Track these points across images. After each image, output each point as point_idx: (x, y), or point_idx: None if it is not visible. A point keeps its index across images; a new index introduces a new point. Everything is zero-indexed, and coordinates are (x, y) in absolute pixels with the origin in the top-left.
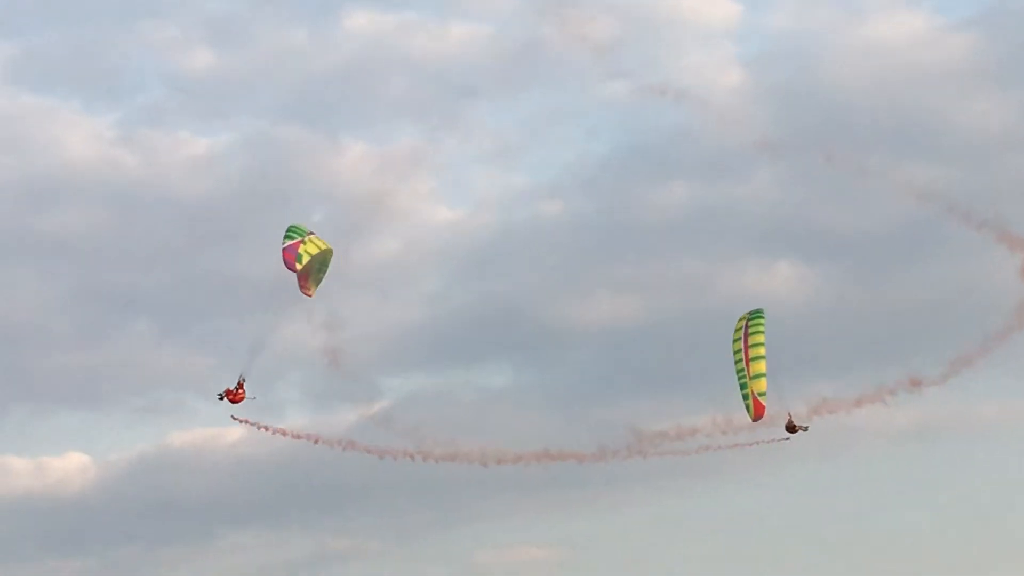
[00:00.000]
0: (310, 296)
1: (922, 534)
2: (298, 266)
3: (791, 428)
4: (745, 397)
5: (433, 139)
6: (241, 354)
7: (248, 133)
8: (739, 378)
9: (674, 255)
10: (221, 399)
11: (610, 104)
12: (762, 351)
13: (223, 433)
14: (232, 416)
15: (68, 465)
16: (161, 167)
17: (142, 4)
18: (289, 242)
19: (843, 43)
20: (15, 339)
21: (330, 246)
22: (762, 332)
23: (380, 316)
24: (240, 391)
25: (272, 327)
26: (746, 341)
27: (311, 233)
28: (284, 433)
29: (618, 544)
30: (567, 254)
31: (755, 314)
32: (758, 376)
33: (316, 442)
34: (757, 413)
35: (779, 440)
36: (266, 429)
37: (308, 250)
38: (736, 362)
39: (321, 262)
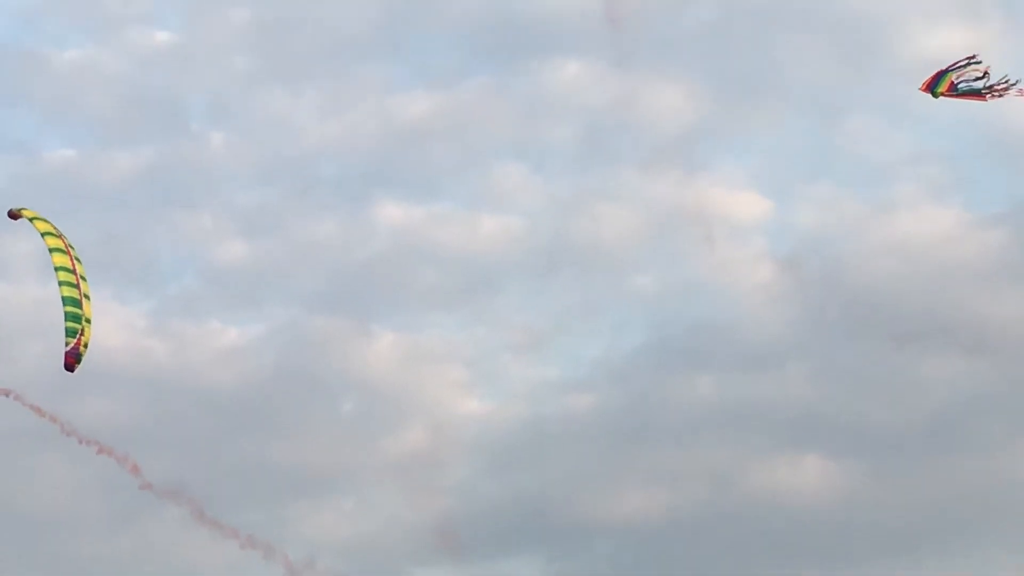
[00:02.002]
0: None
1: None
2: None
3: None
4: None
5: (464, 330)
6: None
7: (279, 323)
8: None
9: (703, 449)
10: None
11: (640, 298)
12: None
13: None
14: None
15: None
16: (192, 356)
17: (175, 194)
18: (72, 341)
19: (873, 239)
20: (46, 526)
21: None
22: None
23: (408, 505)
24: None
25: (302, 516)
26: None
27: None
28: None
29: None
30: (597, 447)
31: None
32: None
33: None
34: None
35: None
36: None
37: (86, 340)
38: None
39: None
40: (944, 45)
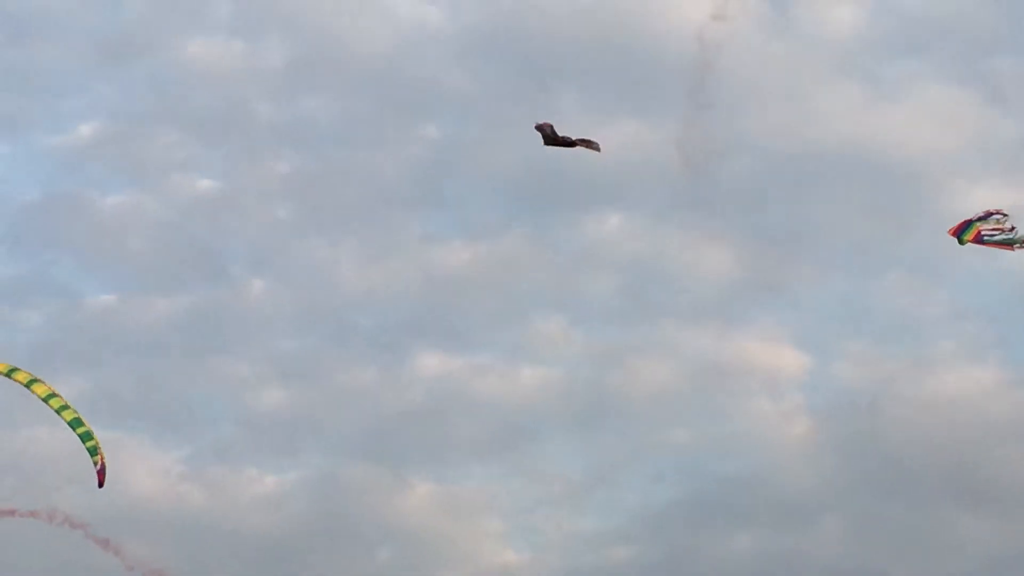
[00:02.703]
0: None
1: None
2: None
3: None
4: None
5: (500, 481)
6: None
7: (316, 471)
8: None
9: None
10: None
11: (677, 451)
12: None
13: None
14: None
15: None
16: (229, 503)
17: (214, 341)
18: (98, 459)
19: (910, 395)
20: None
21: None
22: None
23: None
24: None
25: None
26: None
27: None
28: None
29: None
30: None
31: None
32: None
33: None
34: None
35: None
36: None
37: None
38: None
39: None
40: (984, 202)
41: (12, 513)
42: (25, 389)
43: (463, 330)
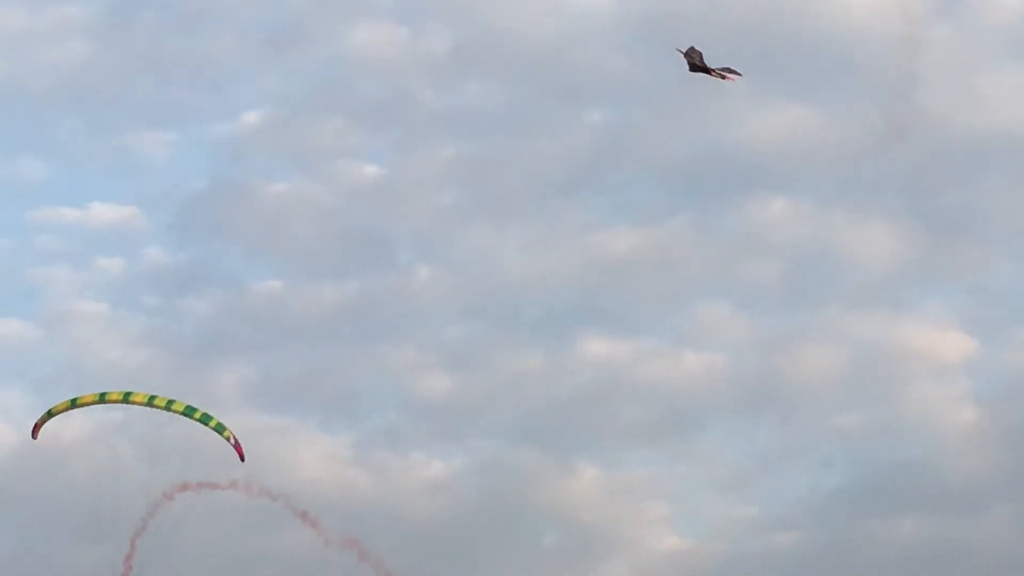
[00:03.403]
0: None
1: None
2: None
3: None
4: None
5: (666, 466)
6: None
7: (482, 456)
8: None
9: None
10: None
11: (843, 437)
12: None
13: None
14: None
15: None
16: (395, 488)
17: (380, 328)
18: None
19: None
20: None
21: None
22: None
23: None
24: None
25: None
26: None
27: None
28: None
29: None
30: None
31: None
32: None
33: None
34: None
35: None
36: None
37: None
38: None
39: None
40: None
41: (214, 486)
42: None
43: (627, 315)
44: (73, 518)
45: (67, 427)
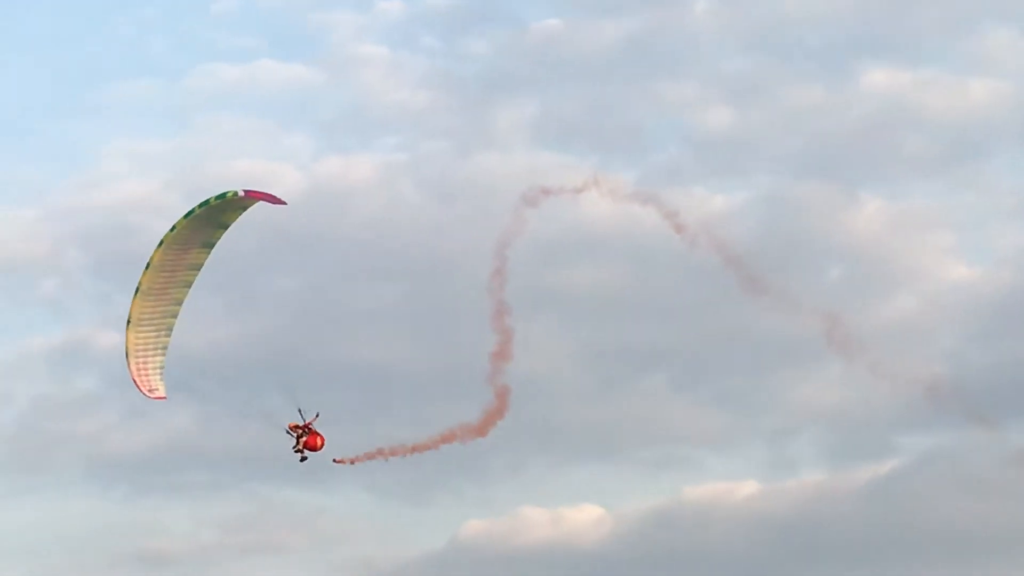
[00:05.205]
0: None
1: None
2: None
3: None
4: None
5: (951, 196)
6: (755, 411)
7: (764, 190)
8: None
9: None
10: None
11: None
12: None
13: (736, 488)
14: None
15: (584, 517)
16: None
17: (661, 63)
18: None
19: None
20: (534, 393)
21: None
22: None
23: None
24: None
25: (786, 383)
26: None
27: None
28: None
29: None
30: None
31: None
32: None
33: None
34: None
35: None
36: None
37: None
38: None
39: None
40: None
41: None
42: None
43: (910, 45)
44: (361, 259)
45: (353, 168)
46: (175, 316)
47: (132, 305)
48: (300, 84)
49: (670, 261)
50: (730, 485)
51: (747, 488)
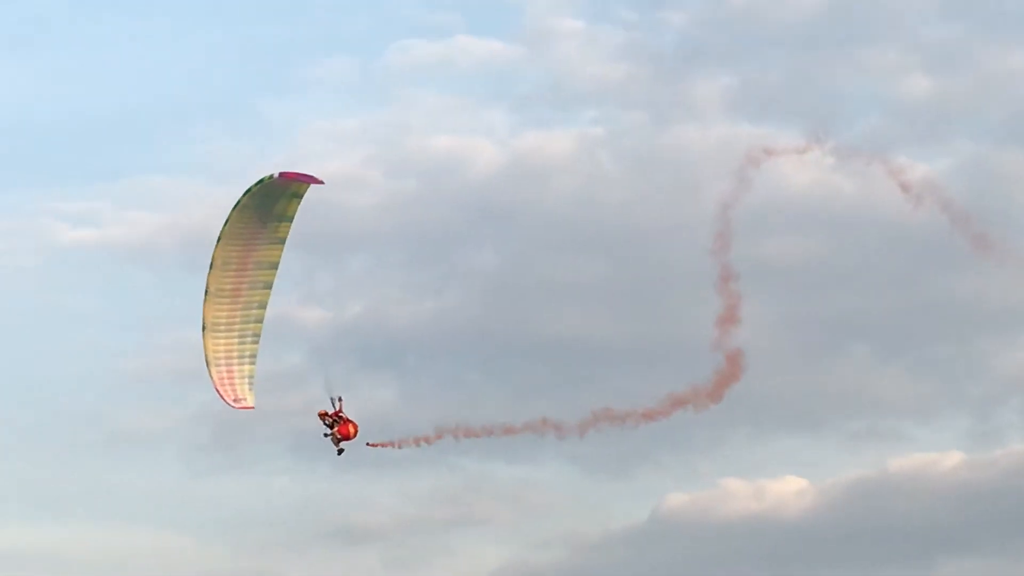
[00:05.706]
0: None
1: None
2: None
3: None
4: None
5: None
6: (959, 380)
7: (967, 157)
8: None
9: None
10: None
11: None
12: None
13: (941, 459)
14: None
15: (786, 488)
16: (879, 193)
17: (859, 31)
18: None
19: None
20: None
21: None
22: None
23: None
24: (344, 424)
25: (991, 351)
26: None
27: None
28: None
29: None
30: None
31: None
32: None
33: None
34: None
35: None
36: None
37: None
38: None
39: None
40: None
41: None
42: None
43: None
44: (561, 232)
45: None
46: (260, 321)
47: (204, 308)
48: (497, 60)
49: (875, 229)
50: (935, 456)
51: (952, 459)
